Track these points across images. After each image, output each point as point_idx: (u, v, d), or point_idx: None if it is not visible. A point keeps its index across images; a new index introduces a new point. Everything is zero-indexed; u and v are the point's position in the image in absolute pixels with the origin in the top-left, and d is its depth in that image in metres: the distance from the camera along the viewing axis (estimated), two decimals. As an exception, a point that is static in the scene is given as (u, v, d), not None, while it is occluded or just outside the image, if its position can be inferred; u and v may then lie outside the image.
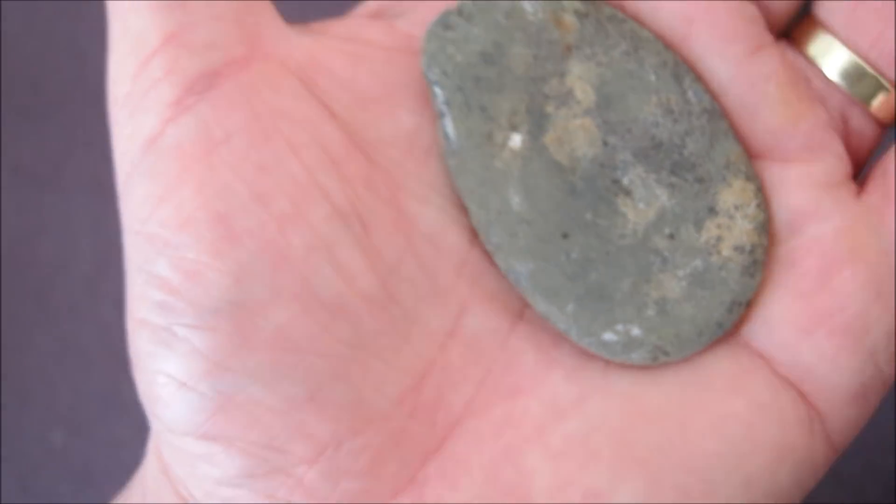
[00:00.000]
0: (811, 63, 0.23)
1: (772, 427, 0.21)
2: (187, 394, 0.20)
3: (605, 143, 0.22)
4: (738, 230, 0.22)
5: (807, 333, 0.21)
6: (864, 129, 0.23)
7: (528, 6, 0.22)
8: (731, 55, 0.22)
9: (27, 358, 0.38)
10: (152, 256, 0.20)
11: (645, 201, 0.22)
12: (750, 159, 0.22)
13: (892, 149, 0.23)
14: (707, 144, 0.22)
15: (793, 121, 0.22)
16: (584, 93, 0.22)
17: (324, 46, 0.22)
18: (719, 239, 0.22)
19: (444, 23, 0.22)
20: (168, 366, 0.20)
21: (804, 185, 0.22)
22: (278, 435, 0.20)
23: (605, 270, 0.22)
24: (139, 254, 0.21)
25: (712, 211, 0.22)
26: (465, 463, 0.21)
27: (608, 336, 0.22)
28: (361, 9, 0.24)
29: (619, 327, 0.22)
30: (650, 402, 0.21)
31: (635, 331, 0.22)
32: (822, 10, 0.23)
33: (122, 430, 0.34)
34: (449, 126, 0.22)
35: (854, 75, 0.22)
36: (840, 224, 0.22)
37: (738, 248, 0.22)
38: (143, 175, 0.21)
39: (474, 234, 0.22)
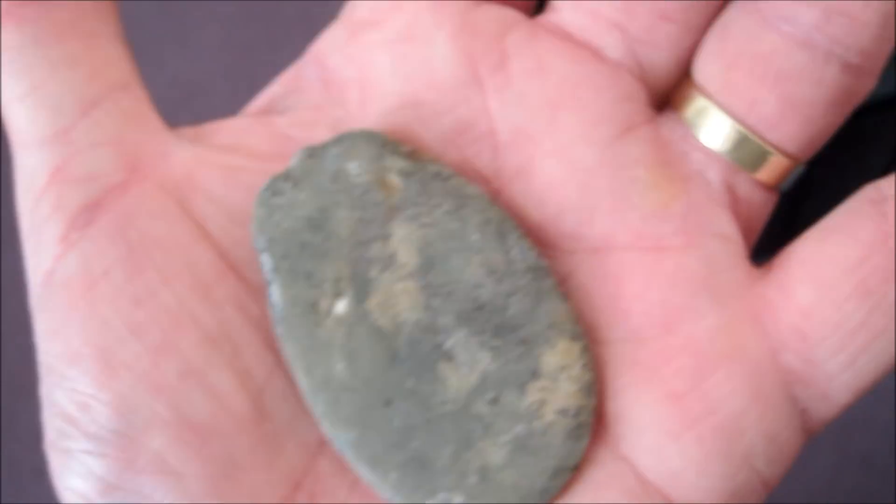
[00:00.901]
0: (689, 130, 0.22)
1: None
2: None
3: (428, 307, 0.22)
4: (563, 393, 0.21)
5: (675, 437, 0.21)
6: (752, 196, 0.22)
7: (352, 168, 0.22)
8: (596, 139, 0.22)
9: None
10: (52, 387, 0.22)
11: (468, 366, 0.22)
12: (621, 251, 0.22)
13: (802, 236, 0.22)
14: (531, 304, 0.22)
15: (664, 203, 0.21)
16: (407, 255, 0.22)
17: (201, 161, 0.23)
18: (542, 402, 0.21)
19: (272, 188, 0.22)
20: (73, 483, 0.22)
21: (678, 278, 0.21)
22: None
23: (426, 438, 0.22)
24: (44, 382, 0.22)
25: (535, 374, 0.21)
26: None
27: None
28: (254, 104, 0.24)
29: (442, 496, 0.21)
30: None
31: (457, 499, 0.21)
32: (699, 74, 0.22)
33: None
34: (275, 294, 0.22)
35: (734, 142, 0.21)
36: (717, 322, 0.21)
37: (563, 412, 0.21)
38: (41, 309, 0.22)
39: None
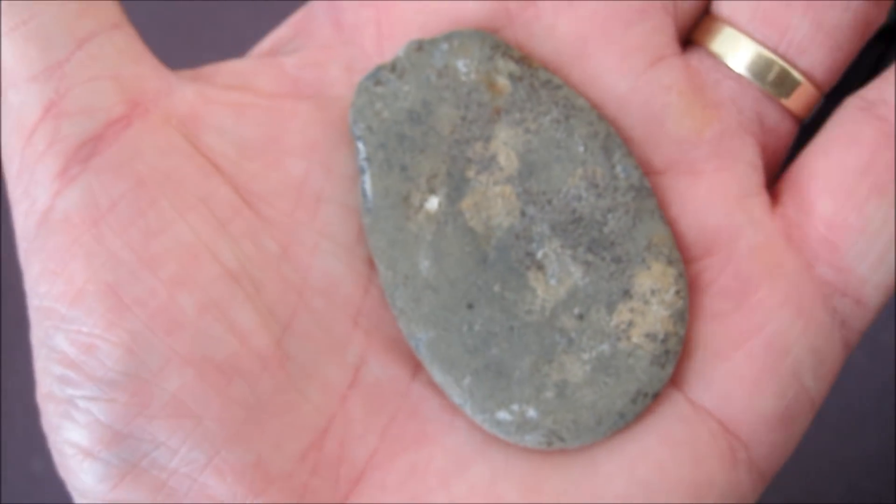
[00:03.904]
0: (718, 61, 0.22)
1: (686, 465, 0.20)
2: (93, 463, 0.20)
3: (523, 214, 0.21)
4: (653, 317, 0.21)
5: (723, 358, 0.21)
6: (780, 125, 0.22)
7: (461, 65, 0.22)
8: (628, 69, 0.22)
9: (7, 384, 0.38)
10: (51, 331, 0.21)
11: (557, 278, 0.21)
12: (656, 175, 0.22)
13: (800, 156, 0.22)
14: (630, 223, 0.21)
15: (697, 129, 0.22)
16: (507, 159, 0.21)
17: (207, 98, 0.22)
18: (630, 324, 0.21)
19: (375, 77, 0.22)
20: (73, 436, 0.21)
21: (714, 199, 0.21)
22: (184, 498, 0.21)
23: (506, 346, 0.21)
24: (40, 328, 0.21)
25: (626, 294, 0.21)
26: None
27: (502, 415, 0.21)
28: (258, 48, 0.23)
29: (515, 407, 0.21)
30: None
31: (531, 412, 0.21)
32: (724, 7, 0.22)
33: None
34: (367, 183, 0.21)
35: (764, 69, 0.22)
36: (754, 240, 0.21)
37: (650, 336, 0.21)
38: (37, 251, 0.21)
39: (369, 281, 0.22)
